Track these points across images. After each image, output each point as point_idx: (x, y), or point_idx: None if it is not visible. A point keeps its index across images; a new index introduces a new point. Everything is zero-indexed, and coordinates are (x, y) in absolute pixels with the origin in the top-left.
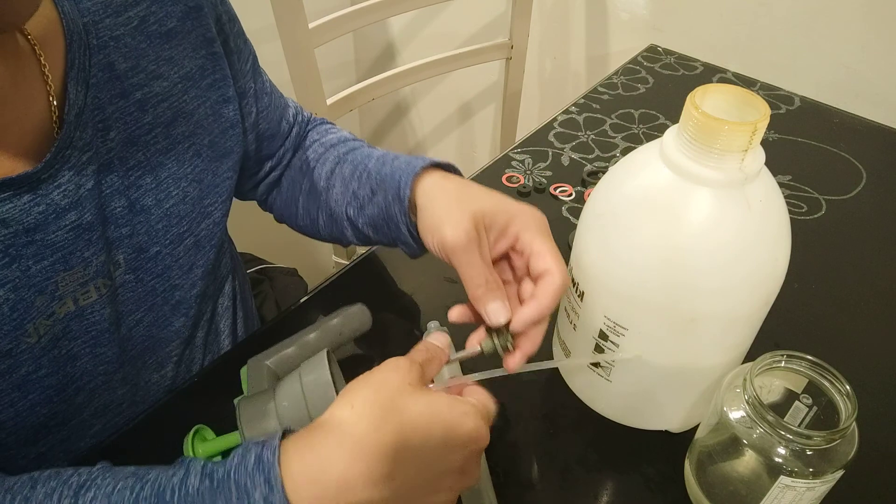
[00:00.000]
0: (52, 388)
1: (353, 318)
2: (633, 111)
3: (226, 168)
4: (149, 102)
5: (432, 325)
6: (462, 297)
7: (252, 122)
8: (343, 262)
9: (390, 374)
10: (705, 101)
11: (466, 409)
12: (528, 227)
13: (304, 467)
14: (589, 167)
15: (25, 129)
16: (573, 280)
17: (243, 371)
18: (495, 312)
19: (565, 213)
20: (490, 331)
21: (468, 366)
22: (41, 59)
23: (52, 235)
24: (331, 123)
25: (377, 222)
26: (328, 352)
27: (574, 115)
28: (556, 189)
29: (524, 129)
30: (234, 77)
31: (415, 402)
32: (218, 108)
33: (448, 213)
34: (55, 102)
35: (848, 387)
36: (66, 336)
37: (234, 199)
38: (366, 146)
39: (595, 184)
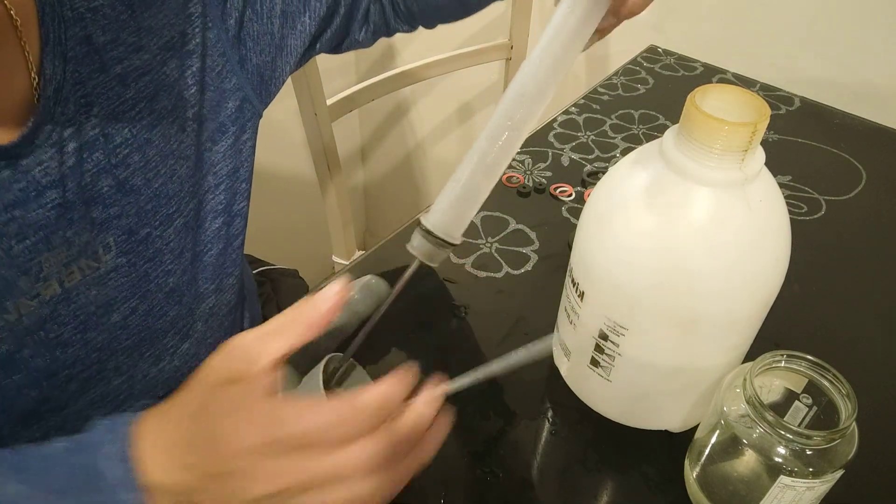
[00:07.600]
0: (40, 372)
1: (370, 291)
2: (633, 112)
3: (223, 145)
4: (129, 76)
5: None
6: (461, 297)
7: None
8: (343, 262)
9: (191, 394)
10: (705, 101)
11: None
12: None
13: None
14: (589, 167)
15: (7, 104)
16: (573, 280)
17: None
18: None
19: (565, 214)
20: None
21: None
22: (20, 32)
23: (32, 213)
24: None
25: None
26: (331, 359)
27: (574, 116)
28: (556, 189)
29: None
30: None
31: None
32: (202, 76)
33: None
34: (36, 78)
35: (848, 387)
36: (53, 320)
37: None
38: None
39: (595, 184)
